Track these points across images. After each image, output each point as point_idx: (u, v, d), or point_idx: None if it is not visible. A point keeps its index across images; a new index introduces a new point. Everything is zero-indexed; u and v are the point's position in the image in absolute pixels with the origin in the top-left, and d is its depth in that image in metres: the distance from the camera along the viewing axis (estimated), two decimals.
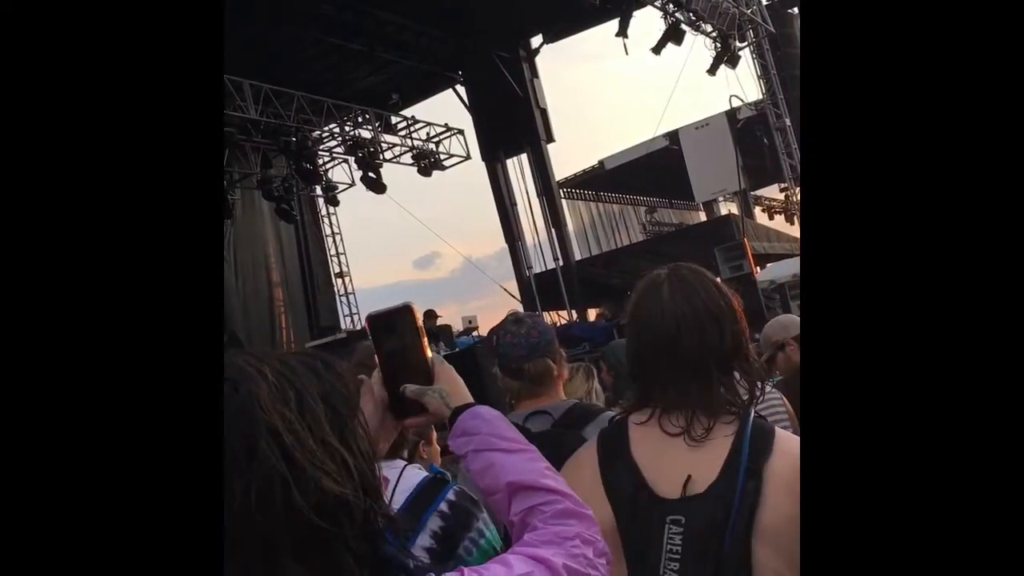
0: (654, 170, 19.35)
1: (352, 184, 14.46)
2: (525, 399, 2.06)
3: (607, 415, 1.90)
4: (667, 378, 1.39)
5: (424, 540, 1.35)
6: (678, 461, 1.33)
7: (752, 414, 1.38)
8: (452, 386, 1.15)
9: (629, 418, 1.44)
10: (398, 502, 1.63)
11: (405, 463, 1.74)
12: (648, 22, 13.31)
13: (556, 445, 1.61)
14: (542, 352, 2.04)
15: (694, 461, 1.33)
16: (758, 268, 12.54)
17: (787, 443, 1.36)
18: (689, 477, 1.31)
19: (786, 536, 1.26)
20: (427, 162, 13.99)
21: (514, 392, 2.09)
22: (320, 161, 14.21)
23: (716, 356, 1.37)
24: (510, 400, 2.10)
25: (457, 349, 9.85)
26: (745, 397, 1.39)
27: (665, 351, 1.38)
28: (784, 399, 2.55)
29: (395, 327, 1.14)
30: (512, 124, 13.79)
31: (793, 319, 3.49)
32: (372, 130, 13.47)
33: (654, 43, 13.15)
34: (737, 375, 1.40)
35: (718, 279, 1.48)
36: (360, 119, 13.63)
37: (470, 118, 14.69)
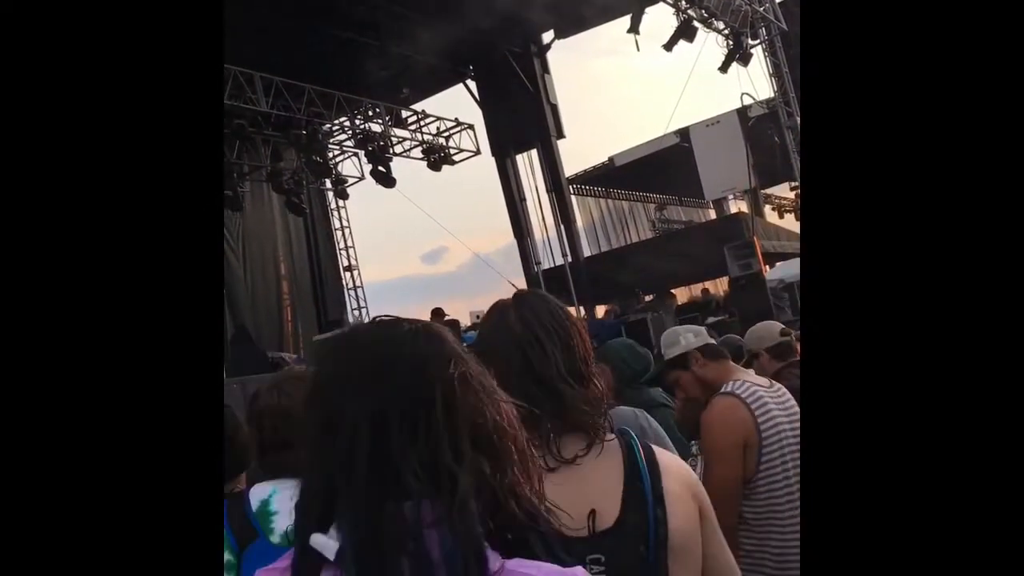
0: (664, 167, 19.30)
1: (362, 178, 14.47)
2: None
3: None
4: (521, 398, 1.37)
5: None
6: (573, 493, 1.28)
7: (633, 434, 1.37)
8: None
9: None
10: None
11: None
12: (660, 19, 13.24)
13: None
14: None
15: (590, 491, 1.29)
16: (767, 267, 12.51)
17: (667, 458, 1.37)
18: (593, 511, 1.27)
19: (688, 548, 1.29)
20: (437, 157, 13.98)
21: None
22: (330, 154, 14.22)
23: (560, 372, 1.35)
24: None
25: (465, 344, 9.84)
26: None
27: (514, 373, 1.34)
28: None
29: None
30: (522, 119, 13.76)
31: (770, 329, 3.42)
32: (382, 124, 13.47)
33: (666, 40, 13.10)
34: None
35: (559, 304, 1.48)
36: (370, 113, 13.63)
37: (480, 113, 14.67)
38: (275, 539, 1.48)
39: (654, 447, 1.40)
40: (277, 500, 1.53)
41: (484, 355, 1.20)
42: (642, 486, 1.30)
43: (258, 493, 1.57)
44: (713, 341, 2.56)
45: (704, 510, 1.37)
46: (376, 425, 0.83)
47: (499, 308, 1.44)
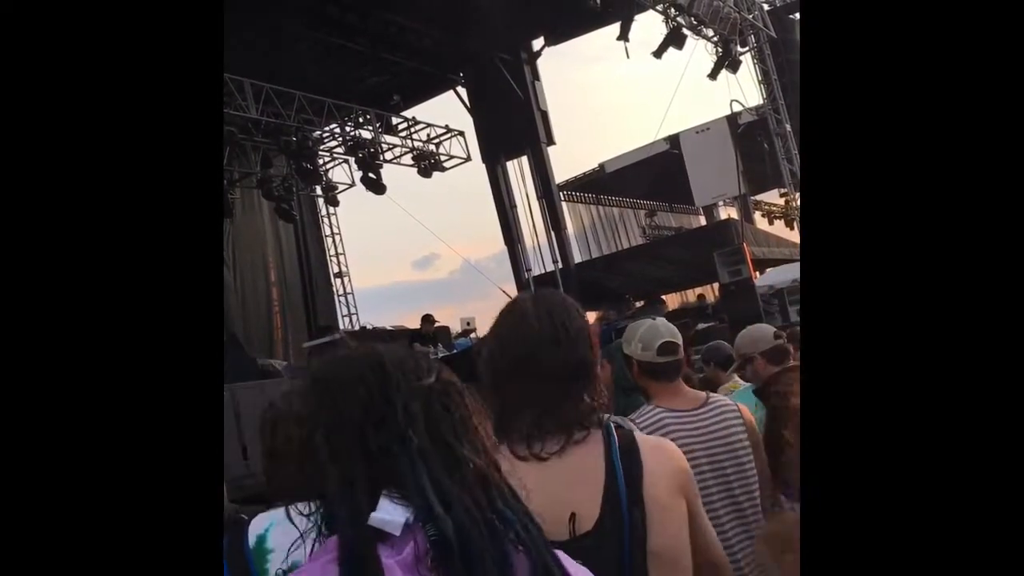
0: (654, 174, 19.33)
1: (352, 185, 14.45)
2: None
3: None
4: (523, 397, 1.37)
5: None
6: (557, 496, 1.29)
7: (612, 428, 1.39)
8: None
9: None
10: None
11: None
12: (650, 26, 13.32)
13: None
14: None
15: (572, 495, 1.31)
16: (757, 273, 12.54)
17: (652, 450, 1.37)
18: (574, 515, 1.28)
19: (675, 558, 1.30)
20: (427, 163, 13.97)
21: None
22: (320, 161, 14.20)
23: (570, 373, 1.39)
24: None
25: (455, 351, 9.83)
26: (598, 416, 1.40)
27: (524, 368, 1.38)
28: (740, 407, 2.47)
29: None
30: (513, 126, 13.77)
31: (764, 333, 3.35)
32: (373, 131, 13.45)
33: (655, 47, 13.15)
34: (586, 397, 1.40)
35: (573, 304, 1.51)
36: (361, 120, 13.62)
37: (471, 120, 14.68)
38: None
39: (639, 437, 1.40)
40: (273, 536, 1.52)
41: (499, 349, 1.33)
42: (617, 485, 1.30)
43: (256, 527, 1.55)
44: (673, 358, 2.49)
45: (692, 504, 1.38)
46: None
47: (519, 304, 1.47)
